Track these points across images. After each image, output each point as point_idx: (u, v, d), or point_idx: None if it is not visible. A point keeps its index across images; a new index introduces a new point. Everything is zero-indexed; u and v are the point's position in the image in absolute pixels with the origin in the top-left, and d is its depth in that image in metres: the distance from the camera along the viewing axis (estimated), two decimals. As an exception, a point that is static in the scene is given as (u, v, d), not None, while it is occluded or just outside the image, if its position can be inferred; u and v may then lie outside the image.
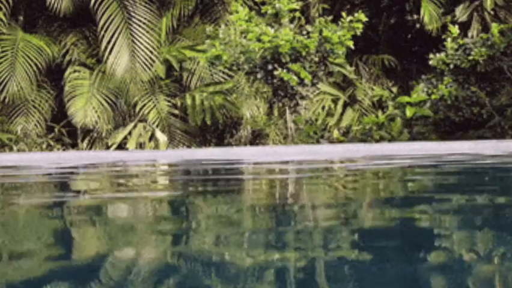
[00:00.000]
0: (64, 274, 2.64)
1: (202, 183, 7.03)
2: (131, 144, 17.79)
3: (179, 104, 18.58)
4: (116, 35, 18.16)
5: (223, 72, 18.35)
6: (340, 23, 16.29)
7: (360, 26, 16.21)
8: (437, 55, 16.44)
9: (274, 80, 15.96)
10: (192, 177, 8.29)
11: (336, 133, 17.21)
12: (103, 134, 18.30)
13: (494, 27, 16.23)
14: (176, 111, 18.56)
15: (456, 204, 4.61)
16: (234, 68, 16.52)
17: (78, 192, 6.39)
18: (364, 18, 16.27)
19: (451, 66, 16.19)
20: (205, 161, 12.30)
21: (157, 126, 18.19)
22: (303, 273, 2.57)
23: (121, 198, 5.35)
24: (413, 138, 16.09)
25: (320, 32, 16.13)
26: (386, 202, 4.90)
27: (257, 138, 18.56)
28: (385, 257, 2.80)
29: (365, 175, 7.75)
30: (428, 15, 18.97)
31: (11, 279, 2.61)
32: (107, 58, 18.11)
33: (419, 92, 16.55)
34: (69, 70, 18.60)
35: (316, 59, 16.14)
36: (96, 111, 18.07)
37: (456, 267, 2.66)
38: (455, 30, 16.54)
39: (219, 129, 18.70)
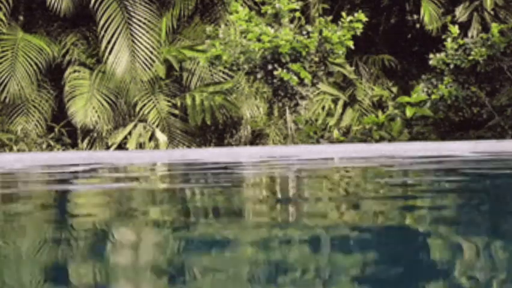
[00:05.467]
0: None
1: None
2: (131, 144, 17.80)
3: (179, 104, 18.58)
4: (116, 35, 18.16)
5: (223, 72, 18.35)
6: (340, 23, 16.30)
7: (360, 26, 16.22)
8: (437, 55, 16.45)
9: (274, 80, 15.96)
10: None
11: (336, 133, 17.21)
12: (103, 134, 18.30)
13: (494, 27, 16.23)
14: (176, 111, 18.56)
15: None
16: (234, 68, 16.52)
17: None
18: (364, 18, 16.27)
19: (451, 66, 16.19)
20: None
21: (157, 126, 18.20)
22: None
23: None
24: (413, 138, 16.09)
25: (320, 32, 16.14)
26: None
27: (257, 138, 18.57)
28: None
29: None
30: (428, 15, 18.97)
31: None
32: (107, 58, 18.12)
33: (419, 92, 16.55)
34: (69, 70, 18.60)
35: (317, 59, 16.15)
36: (96, 111, 18.07)
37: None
38: (455, 30, 16.54)
39: (219, 129, 18.71)
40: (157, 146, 17.81)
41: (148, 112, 18.32)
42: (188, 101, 18.24)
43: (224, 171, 9.14)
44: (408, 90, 18.46)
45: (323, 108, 18.56)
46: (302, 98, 16.25)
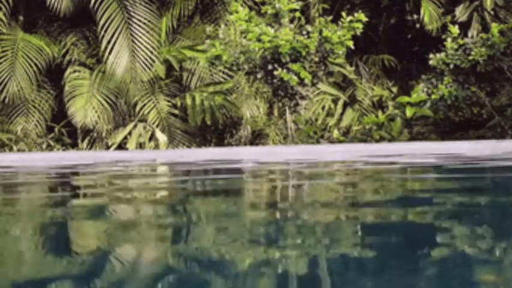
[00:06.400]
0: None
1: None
2: (131, 144, 17.79)
3: (179, 104, 18.58)
4: (116, 35, 18.15)
5: (223, 72, 18.35)
6: (340, 23, 16.28)
7: (360, 26, 16.21)
8: (437, 55, 16.43)
9: (274, 80, 15.95)
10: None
11: (336, 133, 17.21)
12: (103, 134, 18.30)
13: (494, 27, 16.22)
14: (176, 111, 18.55)
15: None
16: (234, 68, 16.51)
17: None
18: (364, 18, 16.26)
19: (451, 66, 16.18)
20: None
21: (157, 126, 18.19)
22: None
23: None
24: (413, 138, 16.08)
25: (320, 32, 16.12)
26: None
27: (257, 138, 18.56)
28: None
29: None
30: (428, 15, 18.96)
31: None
32: (107, 58, 18.11)
33: (419, 92, 16.54)
34: (69, 70, 18.59)
35: (317, 59, 16.13)
36: (96, 111, 18.07)
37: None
38: (455, 30, 16.53)
39: (219, 129, 18.70)
40: (157, 146, 17.81)
41: (148, 112, 18.32)
42: (189, 101, 18.23)
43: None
44: (408, 90, 18.45)
45: (323, 108, 18.55)
46: (302, 98, 16.24)
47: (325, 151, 14.48)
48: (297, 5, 16.61)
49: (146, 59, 18.17)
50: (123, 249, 3.24)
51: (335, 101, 18.83)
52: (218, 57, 16.20)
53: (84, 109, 17.96)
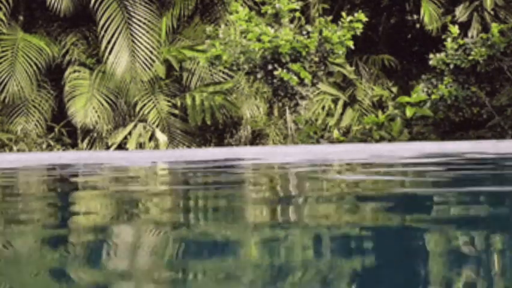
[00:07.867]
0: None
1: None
2: (131, 144, 17.79)
3: (179, 104, 18.58)
4: (116, 35, 18.16)
5: (223, 72, 18.36)
6: (340, 23, 16.30)
7: (360, 26, 16.22)
8: (437, 55, 16.44)
9: (274, 80, 15.96)
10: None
11: (336, 133, 17.21)
12: (103, 134, 18.30)
13: (494, 27, 16.23)
14: (176, 111, 18.56)
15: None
16: (234, 68, 16.52)
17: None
18: (364, 18, 16.27)
19: (451, 66, 16.19)
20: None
21: (157, 126, 18.19)
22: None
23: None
24: (413, 138, 16.09)
25: (320, 32, 16.14)
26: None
27: (257, 138, 18.56)
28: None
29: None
30: (428, 15, 18.96)
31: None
32: (107, 58, 18.12)
33: (419, 92, 16.55)
34: (69, 70, 18.60)
35: (317, 59, 16.14)
36: (96, 111, 18.07)
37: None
38: (455, 30, 16.54)
39: (219, 129, 18.70)
40: (157, 146, 17.81)
41: (148, 112, 18.32)
42: (188, 101, 18.24)
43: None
44: (408, 90, 18.46)
45: (323, 108, 18.56)
46: (302, 98, 16.25)
47: (325, 151, 14.50)
48: (297, 5, 16.62)
49: (146, 59, 18.18)
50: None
51: (335, 101, 18.83)
52: (218, 57, 16.22)
53: (84, 109, 17.96)
